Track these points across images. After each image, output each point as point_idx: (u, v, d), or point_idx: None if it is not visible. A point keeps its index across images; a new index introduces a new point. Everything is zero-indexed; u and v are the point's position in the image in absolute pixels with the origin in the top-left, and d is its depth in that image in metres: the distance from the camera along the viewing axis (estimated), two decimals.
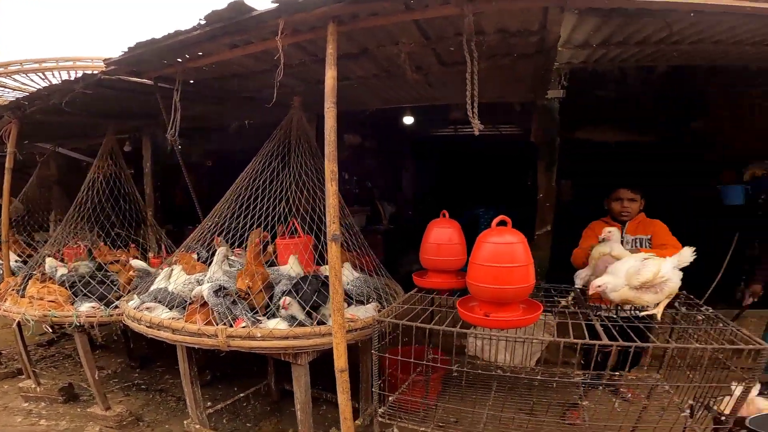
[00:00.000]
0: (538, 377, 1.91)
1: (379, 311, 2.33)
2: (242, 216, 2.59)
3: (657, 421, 1.79)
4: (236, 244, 2.69)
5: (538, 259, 3.60)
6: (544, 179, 3.58)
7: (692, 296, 2.17)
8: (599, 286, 1.96)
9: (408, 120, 5.65)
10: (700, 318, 1.97)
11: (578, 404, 2.18)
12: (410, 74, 2.93)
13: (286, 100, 3.06)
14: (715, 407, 1.82)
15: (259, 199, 2.58)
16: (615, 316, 2.00)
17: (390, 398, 2.11)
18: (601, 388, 2.53)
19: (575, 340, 1.69)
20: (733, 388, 1.87)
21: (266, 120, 3.69)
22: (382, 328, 2.00)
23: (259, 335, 2.14)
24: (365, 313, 2.36)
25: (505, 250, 1.73)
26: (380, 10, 2.03)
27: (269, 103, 2.40)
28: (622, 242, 2.91)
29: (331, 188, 1.84)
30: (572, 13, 2.45)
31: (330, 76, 1.92)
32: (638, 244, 2.94)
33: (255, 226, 2.57)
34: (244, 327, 2.17)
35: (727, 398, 1.85)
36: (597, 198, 3.22)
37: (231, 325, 2.19)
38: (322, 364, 2.25)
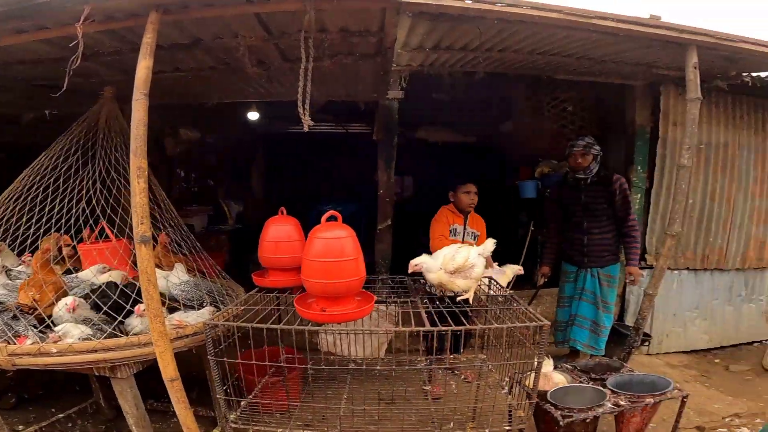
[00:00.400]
0: (378, 367, 1.98)
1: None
2: (26, 219, 2.15)
3: (482, 399, 1.97)
4: (17, 250, 2.26)
5: (380, 252, 3.85)
6: (384, 175, 3.79)
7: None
8: (416, 265, 2.14)
9: (253, 115, 5.40)
10: (501, 299, 2.22)
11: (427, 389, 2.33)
12: (250, 68, 2.84)
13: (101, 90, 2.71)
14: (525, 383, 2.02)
15: (49, 200, 2.17)
16: (438, 303, 2.15)
17: (242, 403, 1.99)
18: (441, 372, 2.74)
19: (404, 329, 1.80)
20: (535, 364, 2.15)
21: (75, 111, 3.17)
22: (217, 332, 1.86)
23: (54, 351, 1.82)
24: (198, 318, 2.18)
25: (334, 245, 1.74)
26: (215, 1, 1.93)
27: (57, 92, 2.10)
28: (464, 233, 3.26)
29: (138, 185, 1.64)
30: (407, 16, 2.65)
31: (144, 66, 1.79)
32: (473, 238, 3.32)
33: (48, 230, 2.17)
34: (32, 343, 1.84)
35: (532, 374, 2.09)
36: (436, 193, 3.49)
37: (14, 343, 1.84)
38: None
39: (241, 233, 5.52)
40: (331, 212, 1.85)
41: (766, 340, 4.43)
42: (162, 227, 2.38)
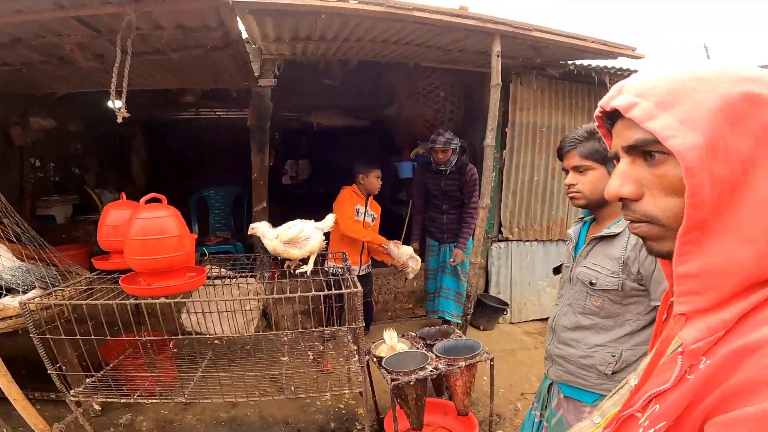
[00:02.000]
0: (225, 337, 2.08)
1: None
2: None
3: (335, 367, 2.08)
4: None
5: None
6: (257, 159, 3.80)
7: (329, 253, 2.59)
8: (253, 228, 2.28)
9: (119, 104, 5.04)
10: (331, 272, 2.39)
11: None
12: (84, 63, 2.70)
13: None
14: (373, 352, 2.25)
15: None
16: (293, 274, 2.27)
17: (88, 380, 2.03)
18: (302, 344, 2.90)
19: (248, 297, 2.03)
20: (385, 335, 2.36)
21: None
22: (42, 314, 1.88)
23: None
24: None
25: (153, 224, 1.84)
26: (23, 8, 1.90)
27: None
28: (365, 214, 3.37)
29: None
30: (245, 13, 2.65)
31: None
32: (371, 220, 3.46)
33: None
34: None
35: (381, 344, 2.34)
36: (330, 174, 3.56)
37: None
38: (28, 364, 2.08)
39: None
40: (152, 195, 1.93)
41: None
42: None
